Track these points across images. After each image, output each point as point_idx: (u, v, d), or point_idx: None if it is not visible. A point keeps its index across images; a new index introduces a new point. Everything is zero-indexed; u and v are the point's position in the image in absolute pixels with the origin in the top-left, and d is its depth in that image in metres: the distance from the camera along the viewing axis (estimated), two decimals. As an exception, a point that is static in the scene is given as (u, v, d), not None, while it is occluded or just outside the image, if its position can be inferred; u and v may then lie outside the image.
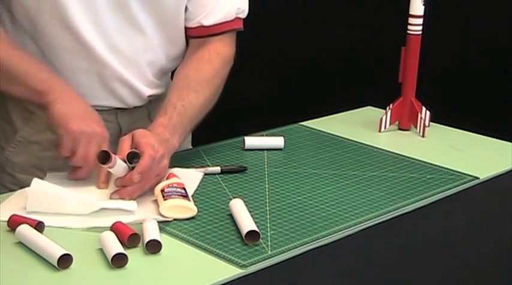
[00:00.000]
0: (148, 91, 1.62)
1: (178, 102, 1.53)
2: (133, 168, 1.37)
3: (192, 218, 1.34)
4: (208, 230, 1.29)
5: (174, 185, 1.38)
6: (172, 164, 1.55)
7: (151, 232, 1.23)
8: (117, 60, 1.55)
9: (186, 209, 1.34)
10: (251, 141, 1.71)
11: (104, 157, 1.34)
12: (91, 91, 1.55)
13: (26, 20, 1.50)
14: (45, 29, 1.50)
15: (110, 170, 1.37)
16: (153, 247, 1.21)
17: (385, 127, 1.88)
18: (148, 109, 1.67)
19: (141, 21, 1.55)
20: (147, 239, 1.21)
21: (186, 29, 1.63)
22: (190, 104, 1.54)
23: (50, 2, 1.46)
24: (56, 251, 1.15)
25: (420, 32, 1.84)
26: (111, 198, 1.37)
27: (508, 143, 1.82)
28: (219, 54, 1.63)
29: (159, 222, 1.29)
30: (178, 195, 1.35)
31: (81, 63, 1.53)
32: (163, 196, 1.35)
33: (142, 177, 1.37)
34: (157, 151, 1.39)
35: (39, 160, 1.56)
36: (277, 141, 1.72)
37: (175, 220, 1.33)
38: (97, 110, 1.51)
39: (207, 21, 1.62)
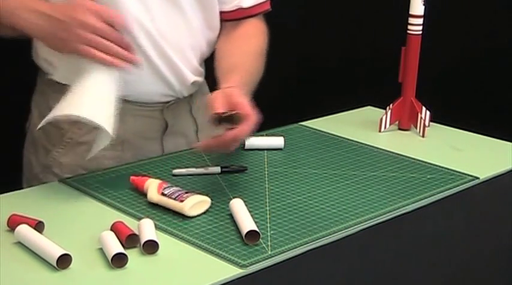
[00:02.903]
0: (192, 78, 1.66)
1: (246, 63, 1.59)
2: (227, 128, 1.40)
3: (192, 217, 1.33)
4: (208, 230, 1.29)
5: (164, 185, 1.37)
6: (172, 165, 1.55)
7: (148, 232, 1.23)
8: (164, 44, 1.57)
9: (203, 203, 1.34)
10: (251, 141, 1.70)
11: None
12: (140, 76, 1.56)
13: None
14: None
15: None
16: (150, 247, 1.20)
17: (385, 127, 1.88)
18: (189, 105, 1.69)
19: (182, 1, 1.58)
20: (143, 240, 1.21)
21: (222, 12, 1.68)
22: (253, 69, 1.61)
23: None
24: (55, 251, 1.15)
25: (420, 32, 1.84)
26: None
27: (508, 143, 1.82)
28: (260, 29, 1.72)
29: (157, 222, 1.29)
30: (184, 192, 1.35)
31: None
32: (174, 199, 1.34)
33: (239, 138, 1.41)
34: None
35: (87, 160, 1.55)
36: (277, 141, 1.72)
37: (175, 219, 1.32)
38: (144, 106, 1.60)
39: (246, 3, 1.69)
